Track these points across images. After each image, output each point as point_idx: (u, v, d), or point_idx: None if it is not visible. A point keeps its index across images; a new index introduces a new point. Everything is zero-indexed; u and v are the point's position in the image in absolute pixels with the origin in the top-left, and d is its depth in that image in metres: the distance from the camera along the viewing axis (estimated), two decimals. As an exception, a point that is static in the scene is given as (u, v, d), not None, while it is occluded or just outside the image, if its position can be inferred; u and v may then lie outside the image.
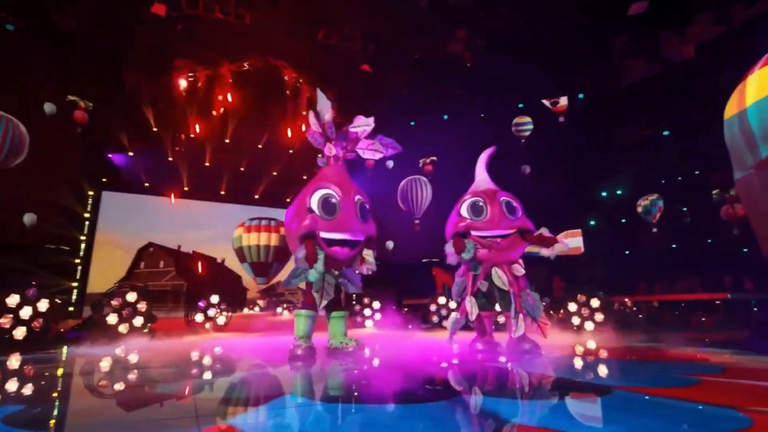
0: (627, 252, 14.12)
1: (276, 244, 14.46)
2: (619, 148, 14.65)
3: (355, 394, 3.48)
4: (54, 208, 12.38)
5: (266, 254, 13.56)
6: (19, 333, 5.72)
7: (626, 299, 10.33)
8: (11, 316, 5.69)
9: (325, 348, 5.39)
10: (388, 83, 14.70)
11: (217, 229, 14.39)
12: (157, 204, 14.15)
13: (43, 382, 3.94)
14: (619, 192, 14.85)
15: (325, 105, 5.58)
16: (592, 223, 14.94)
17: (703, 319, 10.61)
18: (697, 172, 13.49)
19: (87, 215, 13.26)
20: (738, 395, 3.15)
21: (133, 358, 5.40)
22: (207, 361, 5.38)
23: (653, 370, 4.41)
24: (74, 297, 12.68)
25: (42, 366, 4.77)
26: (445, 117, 15.74)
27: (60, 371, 4.59)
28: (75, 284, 12.79)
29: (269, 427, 2.46)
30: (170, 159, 14.05)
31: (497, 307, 5.60)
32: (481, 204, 5.51)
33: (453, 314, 5.54)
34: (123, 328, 7.10)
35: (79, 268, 12.93)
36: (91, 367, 4.80)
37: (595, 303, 8.32)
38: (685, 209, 13.82)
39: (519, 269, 5.47)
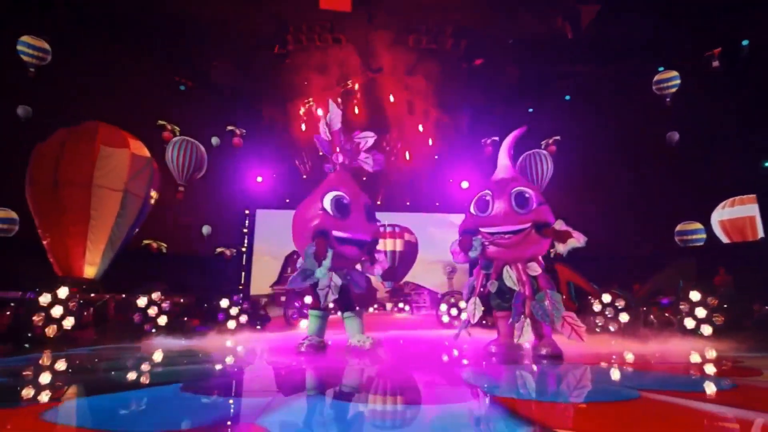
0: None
1: (401, 249, 15.38)
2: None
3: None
4: (222, 226, 15.58)
5: (393, 259, 14.59)
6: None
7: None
8: (140, 314, 7.55)
9: (345, 346, 5.73)
10: (497, 74, 14.08)
11: (347, 236, 15.77)
12: (296, 217, 16.26)
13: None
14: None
15: (336, 115, 5.92)
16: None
17: None
18: None
19: (245, 230, 16.08)
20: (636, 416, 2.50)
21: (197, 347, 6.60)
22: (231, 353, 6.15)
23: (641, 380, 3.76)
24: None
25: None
26: (567, 97, 14.26)
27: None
28: (240, 287, 15.62)
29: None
30: (304, 177, 16.08)
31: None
32: (487, 198, 5.13)
33: (464, 314, 5.28)
34: (231, 325, 8.64)
35: (243, 274, 15.77)
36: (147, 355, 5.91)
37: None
38: None
39: (535, 268, 4.91)
